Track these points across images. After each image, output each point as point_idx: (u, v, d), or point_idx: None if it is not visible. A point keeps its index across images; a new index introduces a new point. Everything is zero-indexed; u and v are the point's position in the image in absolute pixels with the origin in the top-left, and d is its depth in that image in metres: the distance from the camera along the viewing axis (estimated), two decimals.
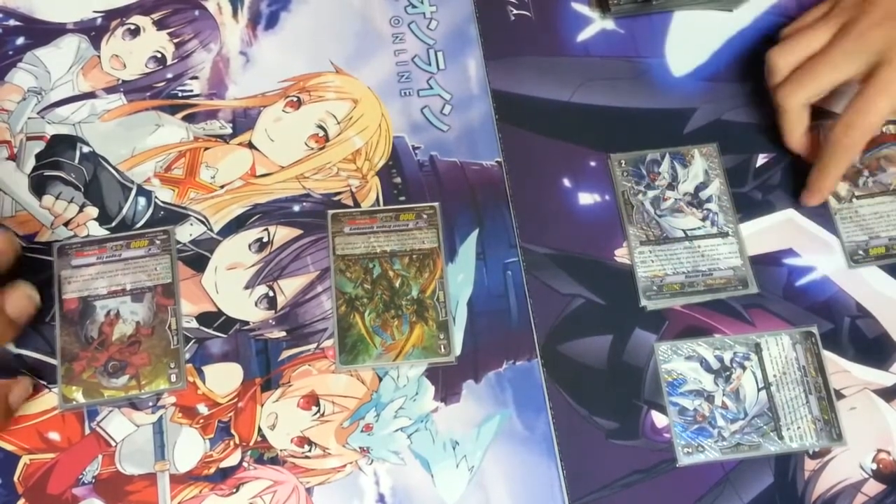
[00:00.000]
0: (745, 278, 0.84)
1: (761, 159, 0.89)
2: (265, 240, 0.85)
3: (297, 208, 0.86)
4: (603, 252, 0.85)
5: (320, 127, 0.90)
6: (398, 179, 0.88)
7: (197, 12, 0.95)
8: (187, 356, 0.80)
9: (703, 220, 0.86)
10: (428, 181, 0.88)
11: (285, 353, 0.81)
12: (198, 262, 0.84)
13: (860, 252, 0.85)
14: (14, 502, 0.76)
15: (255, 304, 0.83)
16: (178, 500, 0.76)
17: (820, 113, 0.88)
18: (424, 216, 0.86)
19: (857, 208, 0.87)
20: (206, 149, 0.89)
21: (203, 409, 0.79)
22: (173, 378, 0.79)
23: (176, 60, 0.93)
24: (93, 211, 0.85)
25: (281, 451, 0.78)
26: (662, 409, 0.79)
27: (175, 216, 0.86)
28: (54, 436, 0.78)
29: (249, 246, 0.85)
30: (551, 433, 0.79)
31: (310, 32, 0.94)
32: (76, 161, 0.87)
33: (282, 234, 0.85)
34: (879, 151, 0.88)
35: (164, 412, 0.79)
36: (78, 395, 0.79)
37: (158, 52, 0.93)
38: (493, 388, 0.80)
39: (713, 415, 0.79)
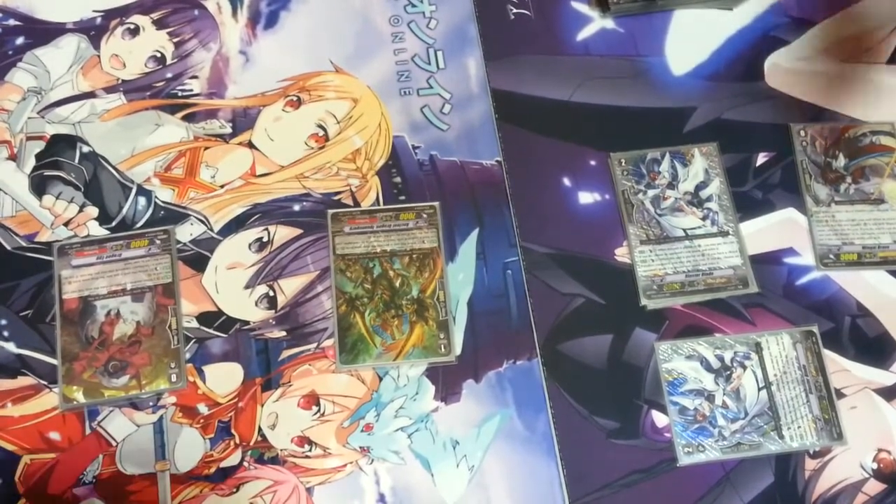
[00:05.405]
0: (745, 277, 0.84)
1: (761, 158, 0.89)
2: (265, 239, 0.85)
3: (297, 208, 0.86)
4: (603, 251, 0.85)
5: (320, 126, 0.90)
6: (398, 179, 0.88)
7: (196, 12, 0.95)
8: (188, 356, 0.80)
9: (704, 219, 0.86)
10: (428, 181, 0.88)
11: (285, 353, 0.81)
12: (198, 262, 0.84)
13: (830, 256, 0.85)
14: (15, 502, 0.76)
15: (256, 304, 0.83)
16: (179, 499, 0.76)
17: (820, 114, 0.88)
18: (424, 216, 0.86)
19: (835, 213, 0.86)
20: (206, 148, 0.89)
21: (203, 408, 0.79)
22: (174, 378, 0.79)
23: (175, 60, 0.93)
24: (93, 211, 0.85)
25: (281, 450, 0.78)
26: (663, 409, 0.79)
27: (175, 216, 0.86)
28: (55, 436, 0.78)
29: (249, 245, 0.85)
30: (551, 433, 0.79)
31: (309, 32, 0.94)
32: (76, 161, 0.87)
33: (282, 233, 0.85)
34: (866, 160, 0.87)
35: (165, 412, 0.79)
36: (78, 395, 0.79)
37: (158, 51, 0.93)
38: (494, 388, 0.80)
39: (713, 414, 0.79)
